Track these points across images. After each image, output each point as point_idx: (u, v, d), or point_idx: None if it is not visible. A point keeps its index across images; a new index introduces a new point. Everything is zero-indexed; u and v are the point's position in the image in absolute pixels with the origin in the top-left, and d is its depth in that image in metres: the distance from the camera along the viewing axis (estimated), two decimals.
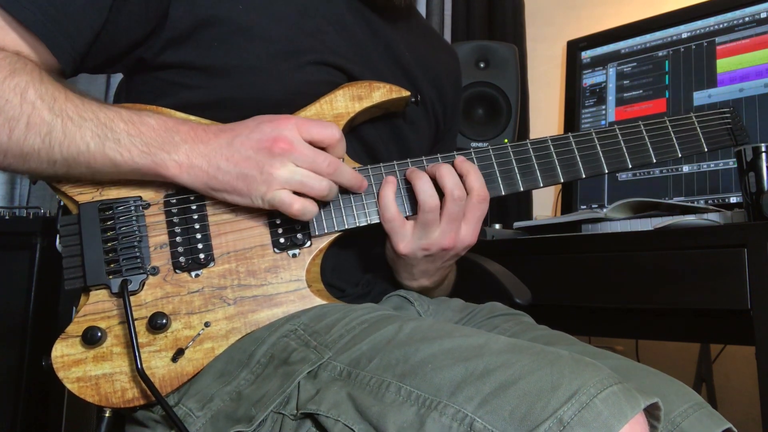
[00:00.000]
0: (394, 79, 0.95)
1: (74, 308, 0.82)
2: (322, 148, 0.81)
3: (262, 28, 0.88)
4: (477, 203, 0.86)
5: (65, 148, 0.76)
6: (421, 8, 2.10)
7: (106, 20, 0.82)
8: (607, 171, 0.93)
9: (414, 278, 0.94)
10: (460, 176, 0.86)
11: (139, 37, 0.85)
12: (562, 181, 0.92)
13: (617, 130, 0.94)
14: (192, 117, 0.85)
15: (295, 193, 0.79)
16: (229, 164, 0.78)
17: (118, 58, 0.87)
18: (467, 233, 0.87)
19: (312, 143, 0.80)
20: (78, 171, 0.79)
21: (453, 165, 0.87)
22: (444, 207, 0.85)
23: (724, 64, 1.54)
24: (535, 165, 0.91)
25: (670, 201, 1.46)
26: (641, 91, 1.68)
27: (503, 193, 0.90)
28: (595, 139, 0.93)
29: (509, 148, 0.91)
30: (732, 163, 1.45)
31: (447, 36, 2.14)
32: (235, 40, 0.86)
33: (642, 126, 0.96)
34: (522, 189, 0.91)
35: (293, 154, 0.78)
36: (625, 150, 0.94)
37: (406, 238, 0.87)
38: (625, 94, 1.71)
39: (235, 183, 0.78)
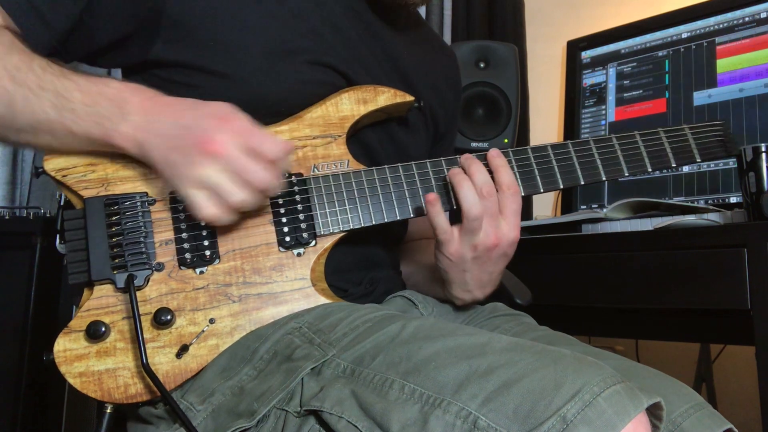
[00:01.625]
0: (390, 83, 0.96)
1: (74, 307, 0.82)
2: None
3: (259, 27, 0.88)
4: (510, 196, 0.87)
5: (27, 117, 0.78)
6: (421, 8, 2.09)
7: (84, 8, 0.83)
8: (604, 178, 0.95)
9: (468, 289, 0.93)
10: (491, 172, 0.87)
11: (126, 32, 0.86)
12: (561, 187, 0.94)
13: (614, 139, 0.97)
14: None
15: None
16: (161, 144, 0.77)
17: (102, 51, 0.89)
18: (508, 228, 0.87)
19: (253, 152, 0.75)
20: (44, 140, 0.80)
21: (485, 158, 0.88)
22: None
23: (724, 64, 1.54)
24: (536, 171, 0.92)
25: (670, 201, 1.46)
26: (641, 91, 1.68)
27: None
28: (593, 148, 0.95)
29: (511, 154, 0.92)
30: (732, 163, 1.45)
31: (447, 36, 2.14)
32: (232, 39, 0.86)
33: (638, 136, 0.98)
34: (523, 194, 0.92)
35: (222, 158, 0.74)
36: (621, 159, 0.96)
37: (455, 243, 0.87)
38: (625, 94, 1.71)
39: (163, 166, 0.77)
